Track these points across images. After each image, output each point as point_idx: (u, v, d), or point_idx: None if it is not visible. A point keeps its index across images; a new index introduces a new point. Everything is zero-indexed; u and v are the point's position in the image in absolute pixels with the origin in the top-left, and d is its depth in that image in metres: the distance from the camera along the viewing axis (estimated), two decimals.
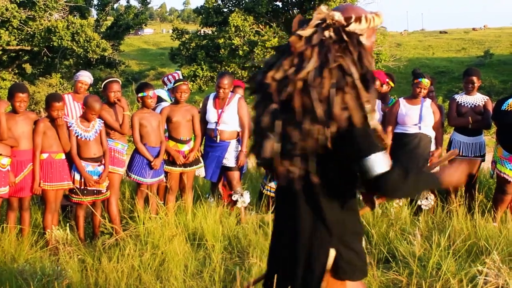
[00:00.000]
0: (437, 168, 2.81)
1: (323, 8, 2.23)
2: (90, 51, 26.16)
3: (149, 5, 35.64)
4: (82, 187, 5.77)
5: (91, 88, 8.06)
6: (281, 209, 2.44)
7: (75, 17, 27.84)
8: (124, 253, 4.76)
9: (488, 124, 6.79)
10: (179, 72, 8.29)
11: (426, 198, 6.49)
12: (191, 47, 30.53)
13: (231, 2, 29.96)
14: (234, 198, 6.56)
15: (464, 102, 6.75)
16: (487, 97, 6.91)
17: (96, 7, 32.67)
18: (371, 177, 2.09)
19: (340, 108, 2.02)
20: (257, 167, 2.46)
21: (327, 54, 2.07)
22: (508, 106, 6.21)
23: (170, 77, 7.69)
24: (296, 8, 29.40)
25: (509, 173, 6.18)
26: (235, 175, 6.65)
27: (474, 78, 6.78)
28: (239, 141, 6.66)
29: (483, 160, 6.91)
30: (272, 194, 6.85)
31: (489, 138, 13.24)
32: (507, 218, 5.80)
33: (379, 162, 2.08)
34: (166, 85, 7.59)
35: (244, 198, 6.54)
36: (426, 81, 6.44)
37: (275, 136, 2.14)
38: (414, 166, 2.23)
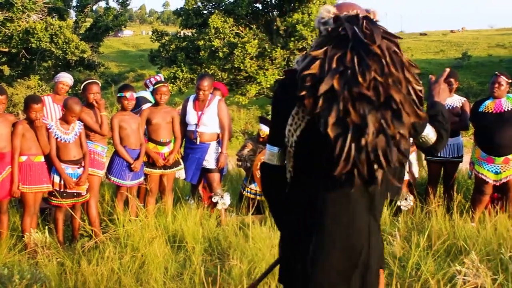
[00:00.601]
0: None
1: (330, 8, 2.22)
2: (69, 53, 26.02)
3: (129, 7, 35.55)
4: (62, 190, 5.72)
5: (70, 90, 8.02)
6: (326, 211, 2.29)
7: (53, 19, 27.67)
8: (104, 256, 4.73)
9: (466, 126, 6.86)
10: (161, 75, 8.28)
11: (406, 199, 6.54)
12: (171, 49, 30.41)
13: (211, 4, 29.90)
14: (214, 200, 6.55)
15: None
16: (465, 99, 6.98)
17: (75, 8, 32.53)
18: (429, 145, 2.48)
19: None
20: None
21: (396, 51, 2.10)
22: (485, 108, 6.28)
23: (152, 79, 7.68)
24: (276, 10, 29.42)
25: (487, 173, 6.25)
26: (215, 177, 6.65)
27: (452, 80, 6.85)
28: (219, 143, 6.65)
29: (461, 161, 6.98)
30: (252, 196, 6.86)
31: (467, 139, 13.39)
32: (485, 218, 5.86)
33: (430, 133, 2.46)
34: (148, 87, 7.57)
35: (224, 200, 6.54)
36: None
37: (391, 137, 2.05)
38: (443, 120, 2.52)
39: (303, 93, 2.06)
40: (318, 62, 2.05)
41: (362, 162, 2.02)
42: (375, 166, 2.05)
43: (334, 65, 2.02)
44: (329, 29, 2.16)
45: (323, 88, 2.00)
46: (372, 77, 1.99)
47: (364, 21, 2.10)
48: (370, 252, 2.31)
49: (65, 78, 6.98)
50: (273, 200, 2.53)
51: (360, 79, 1.98)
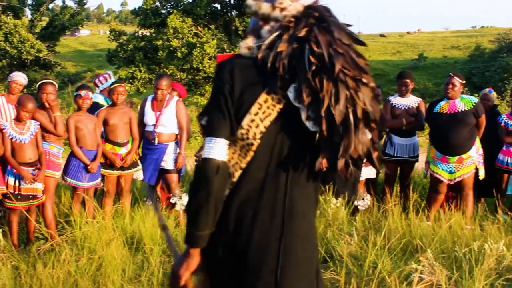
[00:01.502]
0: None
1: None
2: (24, 52, 25.61)
3: (86, 6, 35.04)
4: (16, 192, 5.61)
5: (25, 89, 7.86)
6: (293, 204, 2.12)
7: (8, 17, 27.17)
8: (60, 259, 4.66)
9: (422, 126, 6.97)
10: (110, 72, 8.15)
11: (363, 199, 6.62)
12: (128, 48, 30.14)
13: (170, 4, 29.75)
14: (172, 201, 6.52)
15: (398, 104, 6.91)
16: (420, 99, 7.09)
17: (30, 7, 31.93)
18: None
19: None
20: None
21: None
22: (440, 109, 6.39)
23: (101, 78, 7.60)
24: (234, 11, 29.45)
25: (442, 173, 6.36)
26: (174, 177, 6.61)
27: (408, 81, 6.96)
28: (178, 143, 6.62)
29: (417, 161, 7.09)
30: None
31: (423, 139, 13.58)
32: (441, 217, 5.96)
33: None
34: (98, 86, 7.49)
35: (182, 201, 6.50)
36: None
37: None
38: None
39: (309, 75, 1.96)
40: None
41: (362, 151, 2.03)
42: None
43: (329, 50, 1.97)
44: (296, 15, 2.09)
45: (337, 69, 1.94)
46: (362, 64, 2.01)
47: (332, 13, 2.10)
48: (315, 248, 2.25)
49: (19, 78, 6.85)
50: (216, 204, 2.06)
51: (361, 65, 1.99)
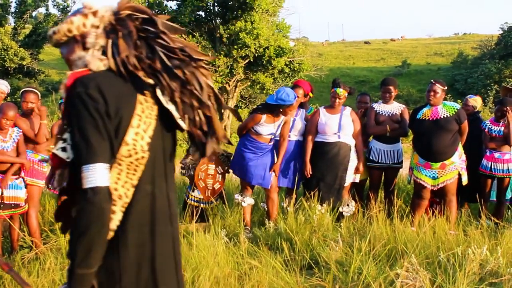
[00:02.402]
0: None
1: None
2: (8, 60, 25.47)
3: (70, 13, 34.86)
4: None
5: (8, 98, 7.81)
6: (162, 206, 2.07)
7: None
8: (45, 267, 4.63)
9: (405, 132, 7.02)
10: None
11: (348, 205, 6.64)
12: None
13: (154, 11, 29.67)
14: None
15: (382, 111, 6.95)
16: (404, 106, 7.14)
17: (13, 14, 31.78)
18: None
19: None
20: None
21: None
22: (423, 115, 6.44)
23: None
24: (219, 18, 29.46)
25: (425, 179, 6.40)
26: None
27: (391, 88, 7.00)
28: None
29: (401, 167, 7.13)
30: (196, 204, 6.84)
31: (407, 145, 13.66)
32: (424, 222, 6.00)
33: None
34: None
35: None
36: (340, 91, 6.59)
37: None
38: None
39: (178, 70, 1.96)
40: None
41: None
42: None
43: (178, 43, 2.02)
44: (118, 16, 1.99)
45: (196, 58, 2.04)
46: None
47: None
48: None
49: (1, 86, 6.81)
50: (107, 234, 1.87)
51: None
